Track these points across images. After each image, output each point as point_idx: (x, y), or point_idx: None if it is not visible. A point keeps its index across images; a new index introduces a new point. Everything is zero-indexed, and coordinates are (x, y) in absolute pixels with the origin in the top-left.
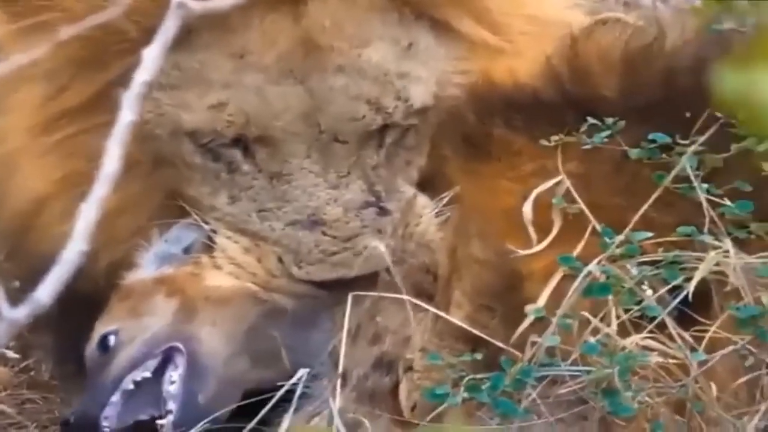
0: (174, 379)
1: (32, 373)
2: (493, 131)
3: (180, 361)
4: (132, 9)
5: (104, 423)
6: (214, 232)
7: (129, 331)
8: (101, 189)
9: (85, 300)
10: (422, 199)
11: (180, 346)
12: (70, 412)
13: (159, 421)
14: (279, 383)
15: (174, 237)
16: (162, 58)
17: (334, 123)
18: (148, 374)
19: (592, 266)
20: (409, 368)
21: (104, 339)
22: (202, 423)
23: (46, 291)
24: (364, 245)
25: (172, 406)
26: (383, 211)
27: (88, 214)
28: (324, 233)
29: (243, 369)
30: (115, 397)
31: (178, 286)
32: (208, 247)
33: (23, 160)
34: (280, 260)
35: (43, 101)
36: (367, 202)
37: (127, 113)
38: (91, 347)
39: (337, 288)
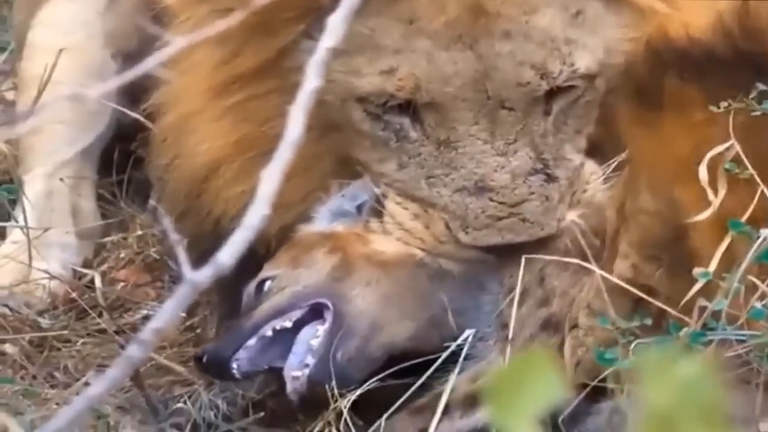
0: (318, 333)
1: (198, 330)
2: (665, 82)
3: (327, 317)
4: None
5: (234, 365)
6: (384, 196)
7: (283, 279)
8: (284, 154)
9: (255, 261)
10: (590, 166)
11: (328, 303)
12: (203, 349)
13: (294, 373)
14: (445, 344)
15: (351, 193)
16: (346, 25)
17: (501, 89)
18: (288, 324)
19: (765, 231)
20: (574, 326)
21: (261, 283)
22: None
23: (229, 253)
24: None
25: (310, 360)
26: (550, 178)
27: (270, 179)
28: (491, 199)
29: (395, 332)
30: (251, 342)
31: (340, 244)
32: (377, 211)
33: (197, 123)
34: (447, 226)
35: (218, 65)
36: (534, 169)
37: (312, 79)
38: (249, 289)
39: (503, 253)
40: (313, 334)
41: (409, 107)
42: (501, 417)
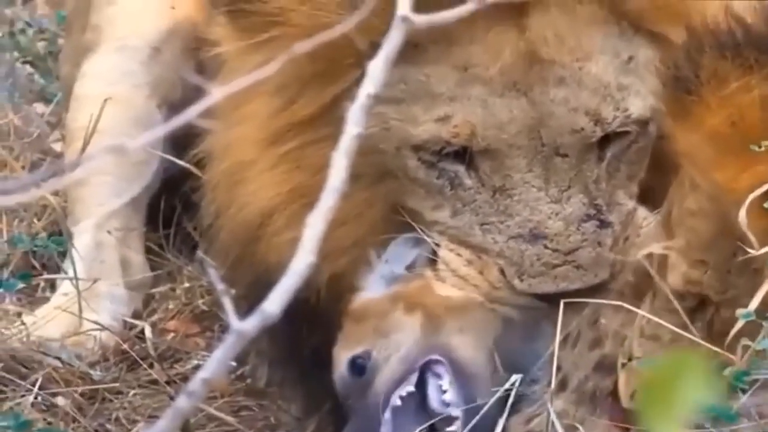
0: (445, 387)
1: (248, 380)
2: (703, 62)
3: (441, 370)
4: (360, 24)
5: None
6: (437, 245)
7: (381, 351)
8: (328, 200)
9: (306, 309)
10: (642, 212)
11: (438, 357)
12: None
13: (448, 429)
14: (494, 389)
15: (394, 255)
16: (386, 71)
17: (555, 135)
18: (411, 388)
19: None
20: (629, 358)
21: (354, 362)
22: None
23: (275, 302)
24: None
25: (456, 412)
26: (604, 224)
27: (315, 226)
28: (545, 246)
29: (496, 374)
30: (387, 415)
31: (414, 300)
32: (431, 261)
33: (252, 172)
34: (502, 272)
35: (273, 114)
36: (588, 215)
37: (353, 126)
38: (340, 372)
39: (557, 300)
40: (439, 390)
41: (464, 154)
42: (651, 418)
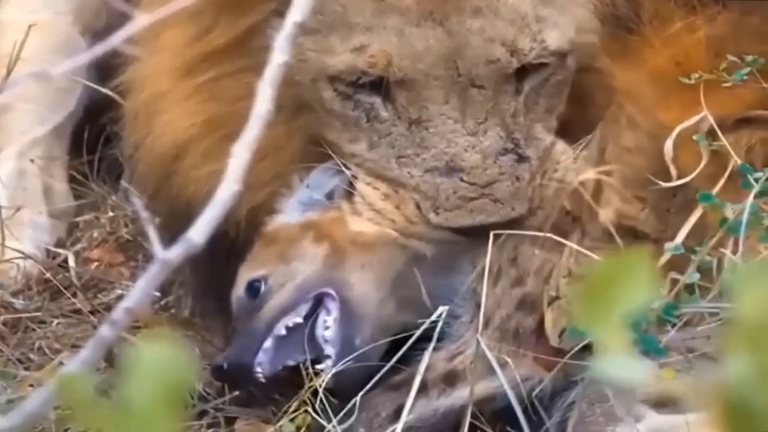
0: (329, 324)
1: (172, 311)
2: (643, 1)
3: (332, 306)
4: None
5: (257, 369)
6: (355, 177)
7: (278, 276)
8: (253, 130)
9: (226, 242)
10: (561, 146)
11: (331, 291)
12: (222, 357)
13: (318, 366)
14: (419, 321)
15: (315, 182)
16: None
17: (471, 66)
18: (299, 319)
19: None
20: (555, 297)
21: (252, 284)
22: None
23: (200, 231)
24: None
25: (330, 350)
26: (521, 158)
27: (240, 155)
28: (462, 180)
29: (391, 313)
30: (268, 343)
31: (324, 231)
32: (348, 193)
33: (167, 102)
34: (418, 207)
35: (188, 43)
36: (505, 149)
37: (279, 55)
38: (238, 292)
39: (474, 234)
40: (323, 325)
41: (380, 85)
42: (589, 319)
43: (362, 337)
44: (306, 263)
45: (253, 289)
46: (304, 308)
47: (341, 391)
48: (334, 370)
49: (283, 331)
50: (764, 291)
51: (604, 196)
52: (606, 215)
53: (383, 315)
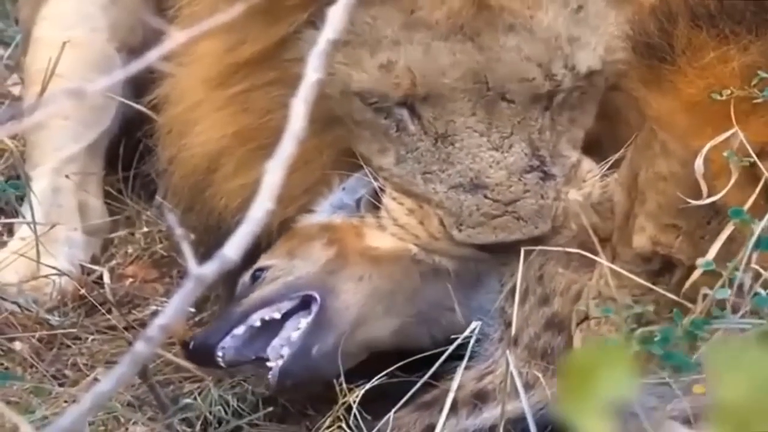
0: (300, 326)
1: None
2: (676, 32)
3: (313, 309)
4: None
5: (219, 353)
6: (382, 190)
7: (277, 270)
8: (287, 147)
9: (258, 254)
10: (587, 164)
11: (317, 295)
12: (193, 335)
13: (268, 364)
14: (452, 336)
15: (350, 187)
16: (346, 16)
17: (503, 81)
18: (277, 315)
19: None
20: (585, 318)
21: (256, 272)
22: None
23: (234, 248)
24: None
25: (285, 352)
26: (547, 176)
27: (274, 172)
28: (486, 197)
29: (378, 329)
30: (239, 330)
31: (338, 236)
32: (373, 205)
33: (200, 114)
34: (441, 223)
35: (221, 54)
36: (531, 166)
37: (312, 72)
38: (245, 278)
39: (498, 251)
40: (296, 326)
41: (406, 102)
42: (571, 407)
43: (321, 347)
44: (307, 263)
45: (255, 277)
46: (286, 305)
47: (279, 392)
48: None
49: (258, 323)
50: (746, 372)
51: (638, 222)
52: (640, 242)
53: (364, 330)
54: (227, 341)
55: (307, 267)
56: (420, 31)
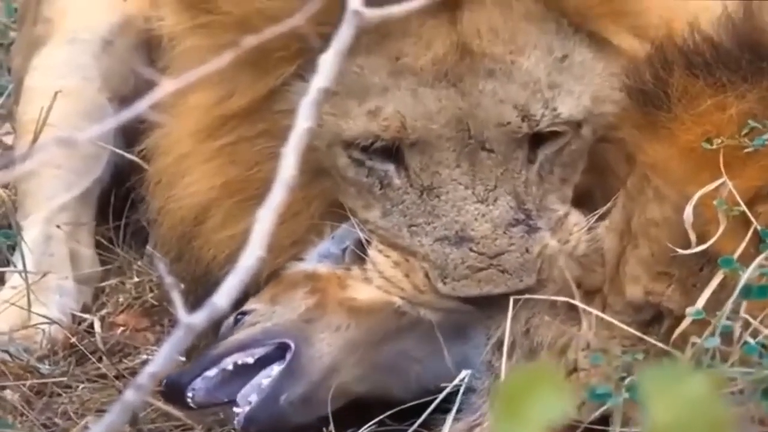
0: (272, 373)
1: None
2: (672, 80)
3: (286, 357)
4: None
5: (189, 393)
6: (369, 242)
7: (258, 315)
8: (277, 195)
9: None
10: (574, 217)
11: (291, 343)
12: (167, 374)
13: (235, 409)
14: (443, 384)
15: (339, 236)
16: (337, 66)
17: (482, 128)
18: (250, 360)
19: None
20: (573, 370)
21: (239, 315)
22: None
23: (224, 296)
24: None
25: (253, 398)
26: (532, 229)
27: (264, 220)
28: (471, 250)
29: (350, 379)
30: (211, 372)
31: (321, 286)
32: (358, 257)
33: (189, 165)
34: (426, 275)
35: (210, 106)
36: (516, 220)
37: (303, 120)
38: (228, 321)
39: (483, 304)
40: (268, 374)
41: (394, 151)
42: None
43: (290, 396)
44: (287, 310)
45: (237, 320)
46: (260, 351)
47: None
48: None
49: (230, 367)
50: (675, 398)
51: (630, 270)
52: (633, 292)
53: (336, 379)
54: (197, 382)
55: (287, 314)
56: (406, 78)
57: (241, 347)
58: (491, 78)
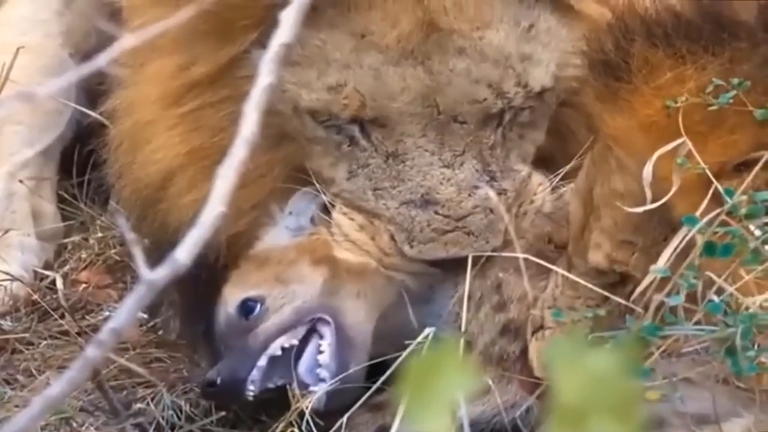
0: (323, 348)
1: (160, 332)
2: (633, 51)
3: (326, 331)
4: None
5: (250, 386)
6: (332, 205)
7: (276, 298)
8: (239, 152)
9: (206, 268)
10: (537, 177)
11: (327, 317)
12: (215, 372)
13: (312, 388)
14: (406, 342)
15: (298, 208)
16: (299, 21)
17: (454, 104)
18: (295, 341)
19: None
20: (540, 326)
21: (246, 304)
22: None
23: (185, 252)
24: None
25: (325, 374)
26: (497, 191)
27: (226, 177)
28: (436, 212)
29: (375, 341)
30: (262, 362)
31: (320, 255)
32: (326, 221)
33: (152, 132)
34: (392, 239)
35: (173, 74)
36: (480, 182)
37: (265, 76)
38: (227, 311)
39: (450, 266)
40: (317, 349)
41: (356, 121)
42: (416, 406)
43: (357, 363)
44: (305, 287)
45: (246, 308)
46: (301, 331)
47: (330, 414)
48: (320, 392)
49: (279, 352)
50: (578, 372)
51: (593, 238)
52: (596, 258)
53: (374, 342)
54: (254, 374)
55: (308, 290)
56: (370, 56)
57: (282, 331)
58: (462, 56)
